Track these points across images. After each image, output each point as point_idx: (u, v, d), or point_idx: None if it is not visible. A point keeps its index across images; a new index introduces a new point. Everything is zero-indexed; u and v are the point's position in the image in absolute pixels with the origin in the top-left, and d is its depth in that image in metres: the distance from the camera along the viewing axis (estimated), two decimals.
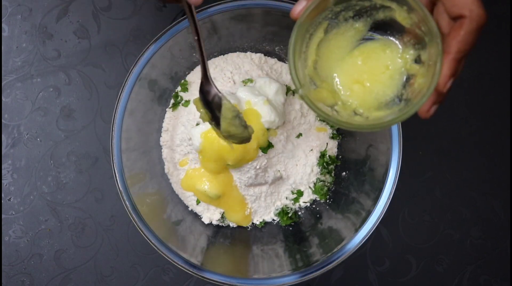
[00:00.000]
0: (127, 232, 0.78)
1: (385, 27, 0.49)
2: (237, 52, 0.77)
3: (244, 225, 0.77)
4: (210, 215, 0.76)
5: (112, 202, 0.79)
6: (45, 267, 0.78)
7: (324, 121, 0.76)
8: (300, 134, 0.75)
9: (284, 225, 0.77)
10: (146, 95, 0.71)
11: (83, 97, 0.80)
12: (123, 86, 0.66)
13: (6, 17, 0.80)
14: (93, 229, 0.78)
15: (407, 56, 0.48)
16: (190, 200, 0.76)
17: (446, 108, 0.80)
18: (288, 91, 0.75)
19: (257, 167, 0.71)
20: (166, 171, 0.76)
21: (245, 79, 0.75)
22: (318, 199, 0.77)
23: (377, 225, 0.64)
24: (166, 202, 0.75)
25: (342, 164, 0.77)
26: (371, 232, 0.64)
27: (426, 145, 0.80)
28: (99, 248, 0.78)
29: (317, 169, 0.76)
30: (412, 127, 0.77)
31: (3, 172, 0.79)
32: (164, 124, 0.76)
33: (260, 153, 0.71)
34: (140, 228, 0.65)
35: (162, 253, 0.65)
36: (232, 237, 0.76)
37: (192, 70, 0.77)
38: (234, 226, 0.77)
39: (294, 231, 0.76)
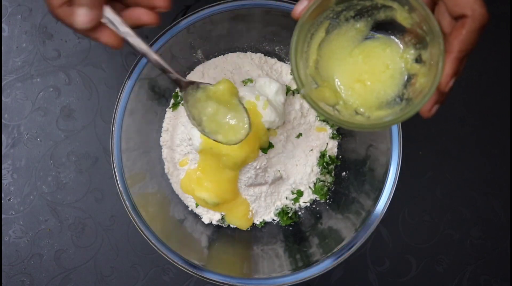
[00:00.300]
0: (127, 232, 0.78)
1: (386, 26, 0.49)
2: (237, 52, 0.77)
3: (245, 229, 0.77)
4: (211, 215, 0.76)
5: (112, 202, 0.78)
6: (45, 267, 0.78)
7: (324, 121, 0.76)
8: (300, 134, 0.75)
9: (284, 225, 0.77)
10: (146, 95, 0.71)
11: (83, 97, 0.80)
12: (123, 86, 0.65)
13: (6, 17, 0.80)
14: (93, 229, 0.78)
15: (408, 56, 0.48)
16: (190, 200, 0.76)
17: (446, 108, 0.79)
18: (288, 91, 0.75)
19: (257, 167, 0.71)
20: (166, 171, 0.76)
21: (245, 79, 0.75)
22: (318, 199, 0.77)
23: (377, 225, 0.64)
24: (166, 202, 0.75)
25: (342, 164, 0.77)
26: (371, 232, 0.64)
27: (426, 145, 0.80)
28: (99, 248, 0.78)
29: (317, 169, 0.76)
30: (412, 127, 0.77)
31: (3, 172, 0.79)
32: (164, 124, 0.76)
33: (260, 153, 0.71)
34: (140, 228, 0.65)
35: (162, 253, 0.64)
36: (232, 237, 0.76)
37: (192, 70, 0.76)
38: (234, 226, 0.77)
39: (294, 231, 0.76)
